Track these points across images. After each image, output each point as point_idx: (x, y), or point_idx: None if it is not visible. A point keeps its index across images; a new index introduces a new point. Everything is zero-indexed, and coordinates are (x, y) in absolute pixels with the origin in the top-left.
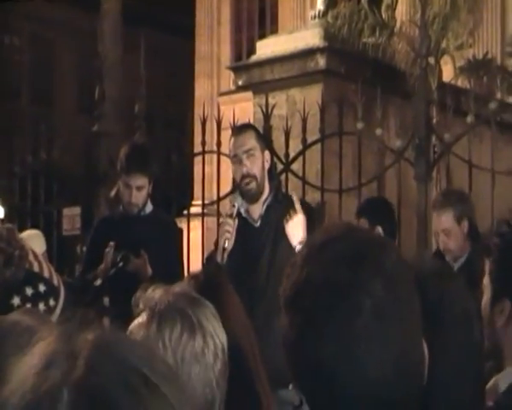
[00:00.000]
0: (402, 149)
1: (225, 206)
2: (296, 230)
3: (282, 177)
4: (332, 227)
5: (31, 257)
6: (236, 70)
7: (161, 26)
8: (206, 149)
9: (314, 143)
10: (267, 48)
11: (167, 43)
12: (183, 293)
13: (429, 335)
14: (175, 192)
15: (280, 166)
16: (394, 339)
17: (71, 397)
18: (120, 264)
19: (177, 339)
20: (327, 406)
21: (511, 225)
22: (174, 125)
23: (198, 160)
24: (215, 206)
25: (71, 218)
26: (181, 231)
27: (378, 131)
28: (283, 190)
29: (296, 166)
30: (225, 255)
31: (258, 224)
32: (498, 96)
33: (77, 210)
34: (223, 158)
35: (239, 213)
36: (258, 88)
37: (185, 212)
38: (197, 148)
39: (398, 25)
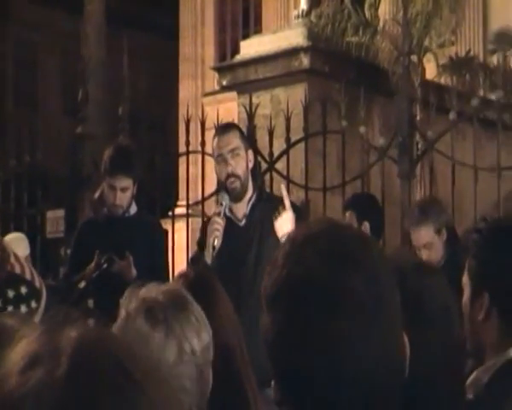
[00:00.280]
0: (385, 147)
1: (210, 206)
2: (285, 226)
3: (267, 176)
4: (313, 224)
5: (12, 259)
6: (220, 70)
7: (145, 27)
8: (191, 149)
9: (298, 141)
10: (251, 48)
11: (151, 45)
12: (169, 292)
13: (410, 329)
14: (159, 193)
15: (264, 166)
16: (375, 336)
17: (55, 395)
18: (105, 266)
19: (142, 336)
20: (308, 404)
21: (488, 221)
22: (158, 126)
23: (182, 160)
24: (200, 206)
25: (54, 220)
26: (166, 232)
27: (362, 130)
28: (267, 189)
29: (280, 166)
30: (214, 254)
31: (243, 223)
32: (481, 93)
33: (60, 213)
34: (207, 158)
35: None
36: (243, 88)
37: (170, 213)
38: (182, 148)
39: (381, 24)
